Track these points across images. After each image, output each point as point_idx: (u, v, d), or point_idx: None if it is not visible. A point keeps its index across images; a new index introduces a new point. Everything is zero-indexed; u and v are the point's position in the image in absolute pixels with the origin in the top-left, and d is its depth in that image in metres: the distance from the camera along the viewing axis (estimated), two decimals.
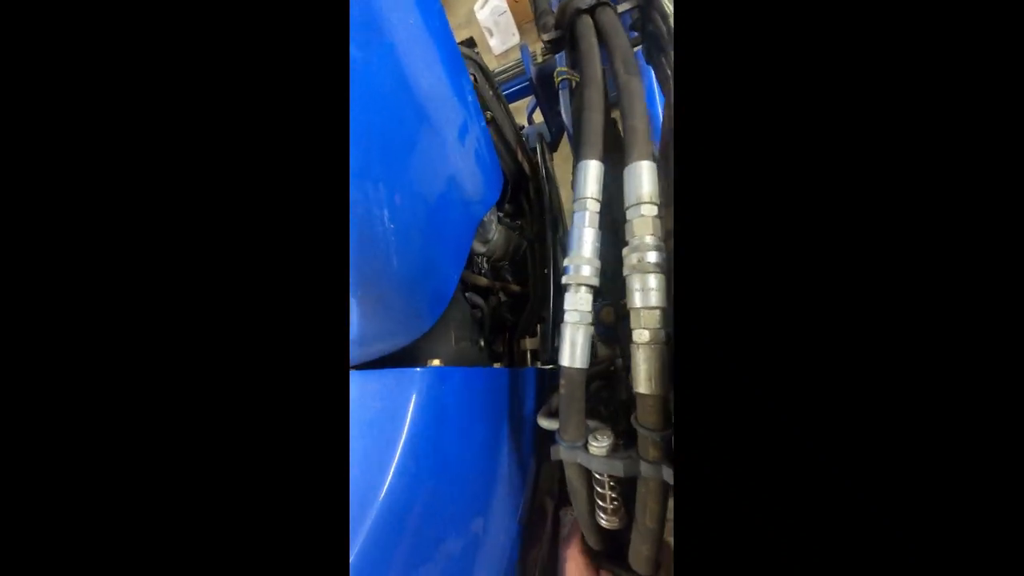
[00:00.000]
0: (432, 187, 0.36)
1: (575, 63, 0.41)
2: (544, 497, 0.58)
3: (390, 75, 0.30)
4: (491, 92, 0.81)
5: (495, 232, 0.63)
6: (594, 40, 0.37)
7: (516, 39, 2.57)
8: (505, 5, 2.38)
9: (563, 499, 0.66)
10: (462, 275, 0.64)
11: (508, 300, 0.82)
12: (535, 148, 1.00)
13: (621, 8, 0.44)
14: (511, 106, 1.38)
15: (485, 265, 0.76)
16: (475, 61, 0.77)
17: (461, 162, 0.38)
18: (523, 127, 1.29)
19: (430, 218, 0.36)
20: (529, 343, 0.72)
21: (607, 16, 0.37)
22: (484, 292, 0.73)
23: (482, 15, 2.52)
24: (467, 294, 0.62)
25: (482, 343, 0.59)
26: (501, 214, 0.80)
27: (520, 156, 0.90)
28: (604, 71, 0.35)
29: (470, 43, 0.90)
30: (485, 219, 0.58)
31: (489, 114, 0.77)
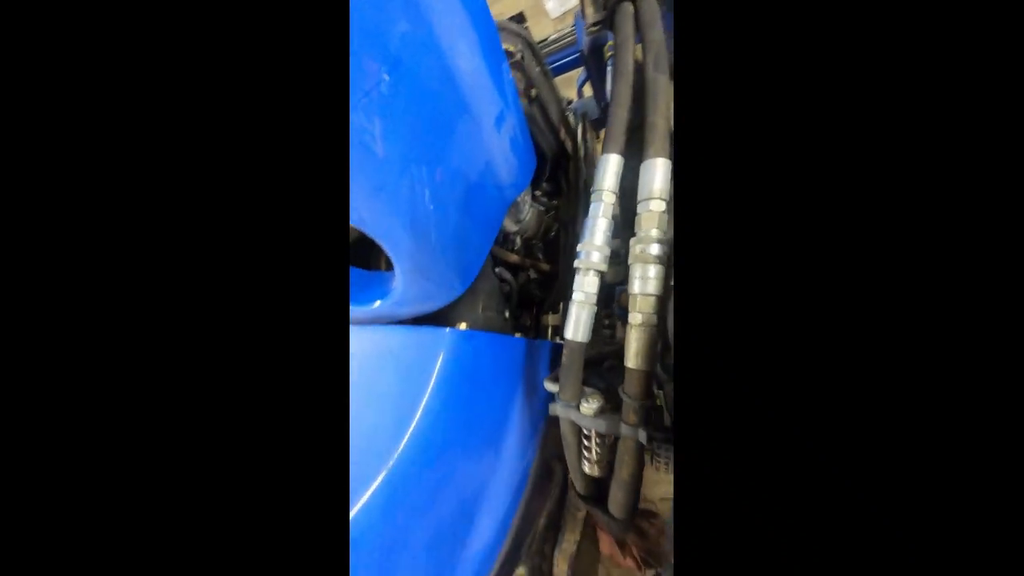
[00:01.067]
0: (469, 171, 0.41)
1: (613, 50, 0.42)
2: (553, 460, 0.65)
3: (435, 66, 0.35)
4: (538, 69, 0.82)
5: (528, 212, 0.67)
6: (631, 31, 0.38)
7: (574, 1, 2.41)
8: None
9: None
10: (494, 251, 0.70)
11: (538, 277, 0.86)
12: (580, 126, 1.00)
13: None
14: (563, 77, 1.34)
15: (518, 242, 0.81)
16: (523, 37, 0.78)
17: (496, 148, 0.43)
18: (571, 101, 1.26)
19: (466, 199, 0.41)
20: (552, 319, 0.77)
21: (648, 5, 0.38)
22: (515, 268, 0.78)
23: None
24: (497, 269, 0.68)
25: (507, 314, 0.65)
26: (538, 192, 0.84)
27: (563, 134, 0.90)
28: (636, 64, 0.37)
29: (519, 19, 0.90)
30: (519, 200, 0.63)
31: (534, 91, 0.78)
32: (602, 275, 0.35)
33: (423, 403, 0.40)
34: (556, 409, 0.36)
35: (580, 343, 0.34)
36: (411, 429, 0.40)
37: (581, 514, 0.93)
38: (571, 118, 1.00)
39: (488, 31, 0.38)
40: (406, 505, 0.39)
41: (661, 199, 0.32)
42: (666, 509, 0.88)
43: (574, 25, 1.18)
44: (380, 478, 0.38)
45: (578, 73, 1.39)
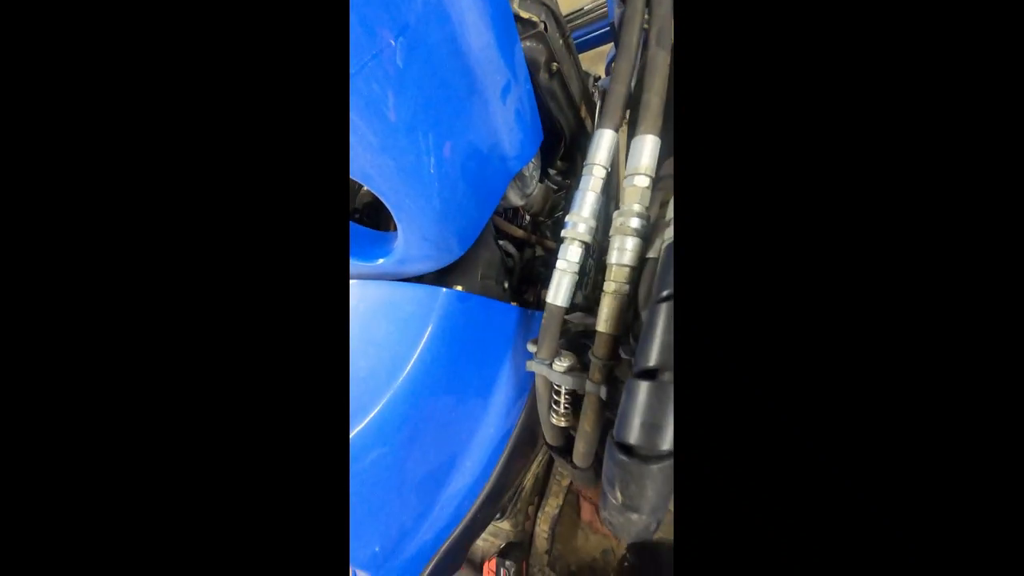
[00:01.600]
0: (473, 140, 0.43)
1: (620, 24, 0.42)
2: (537, 427, 0.70)
3: (446, 37, 0.36)
4: (561, 42, 0.80)
5: (535, 188, 0.69)
6: (641, 5, 0.38)
7: None
8: None
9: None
10: (499, 223, 0.72)
11: (544, 255, 0.88)
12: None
13: None
14: (596, 51, 1.29)
15: (527, 218, 0.83)
16: (547, 6, 0.76)
17: (501, 120, 0.45)
18: (599, 78, 1.22)
19: (468, 166, 0.44)
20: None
21: None
22: (521, 243, 0.81)
23: None
24: (501, 241, 0.71)
25: (506, 285, 0.68)
26: (552, 171, 0.84)
27: (584, 112, 0.90)
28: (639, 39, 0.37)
29: None
30: (526, 174, 0.64)
31: (555, 65, 0.78)
32: (586, 245, 0.37)
33: (417, 353, 0.45)
34: (532, 365, 0.39)
35: (559, 307, 0.37)
36: (403, 375, 0.44)
37: (565, 482, 0.99)
38: (596, 96, 0.98)
39: (501, 5, 0.39)
40: (394, 440, 0.44)
41: (647, 175, 0.33)
42: None
43: None
44: (372, 414, 0.43)
45: (609, 48, 1.34)
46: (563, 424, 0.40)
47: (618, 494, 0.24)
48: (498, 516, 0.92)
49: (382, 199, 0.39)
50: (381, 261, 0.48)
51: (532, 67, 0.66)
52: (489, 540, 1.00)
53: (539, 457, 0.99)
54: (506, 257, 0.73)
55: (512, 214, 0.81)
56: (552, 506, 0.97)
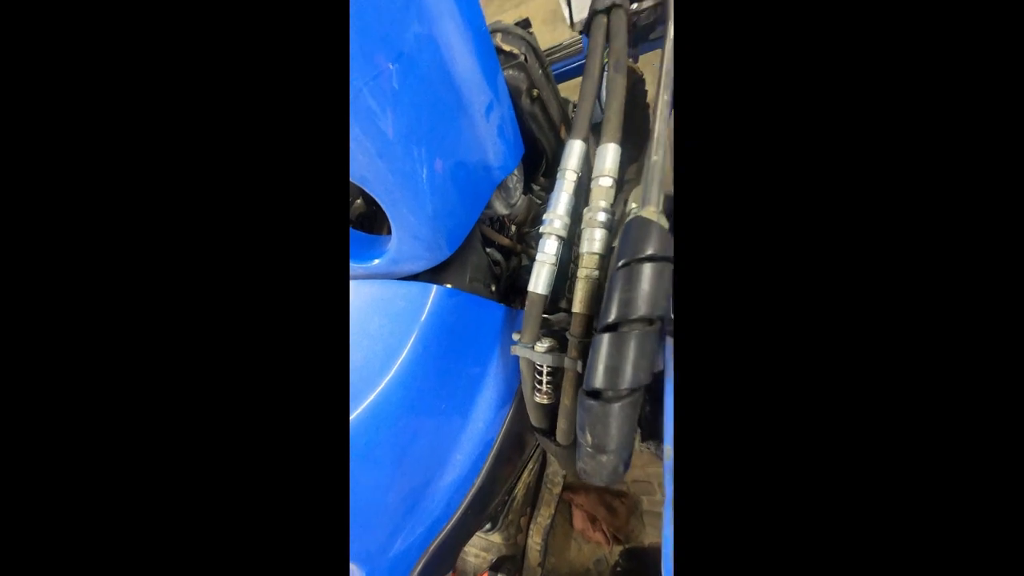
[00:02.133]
0: (461, 151, 0.49)
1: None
2: (525, 433, 0.71)
3: (435, 62, 0.42)
4: (540, 72, 0.90)
5: (519, 199, 0.75)
6: (601, 39, 0.45)
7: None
8: None
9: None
10: (486, 232, 0.77)
11: (529, 264, 0.94)
12: None
13: (644, 5, 0.51)
14: (573, 81, 1.41)
15: (513, 229, 0.88)
16: (526, 41, 0.86)
17: (485, 133, 0.51)
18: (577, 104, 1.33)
19: (456, 174, 0.49)
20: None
21: (616, 18, 0.45)
22: (507, 252, 0.86)
23: None
24: (488, 249, 0.76)
25: (493, 288, 0.72)
26: (536, 186, 0.91)
27: (563, 132, 0.98)
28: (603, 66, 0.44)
29: (525, 24, 0.99)
30: (510, 185, 0.70)
31: (536, 92, 0.86)
32: (561, 239, 0.42)
33: (409, 344, 0.48)
34: (516, 349, 0.43)
35: (540, 295, 0.42)
36: (396, 365, 0.47)
37: (557, 490, 1.00)
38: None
39: (481, 35, 0.46)
40: (386, 429, 0.46)
41: (611, 176, 0.39)
42: (636, 490, 0.93)
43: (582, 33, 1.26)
44: (366, 402, 0.45)
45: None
46: (546, 401, 0.43)
47: (588, 437, 0.28)
48: (488, 528, 0.92)
49: (379, 201, 0.43)
50: (376, 262, 0.52)
51: (514, 93, 0.74)
52: (481, 556, 0.98)
53: (530, 466, 1.00)
54: (494, 264, 0.78)
55: (499, 224, 0.87)
56: (544, 516, 0.97)
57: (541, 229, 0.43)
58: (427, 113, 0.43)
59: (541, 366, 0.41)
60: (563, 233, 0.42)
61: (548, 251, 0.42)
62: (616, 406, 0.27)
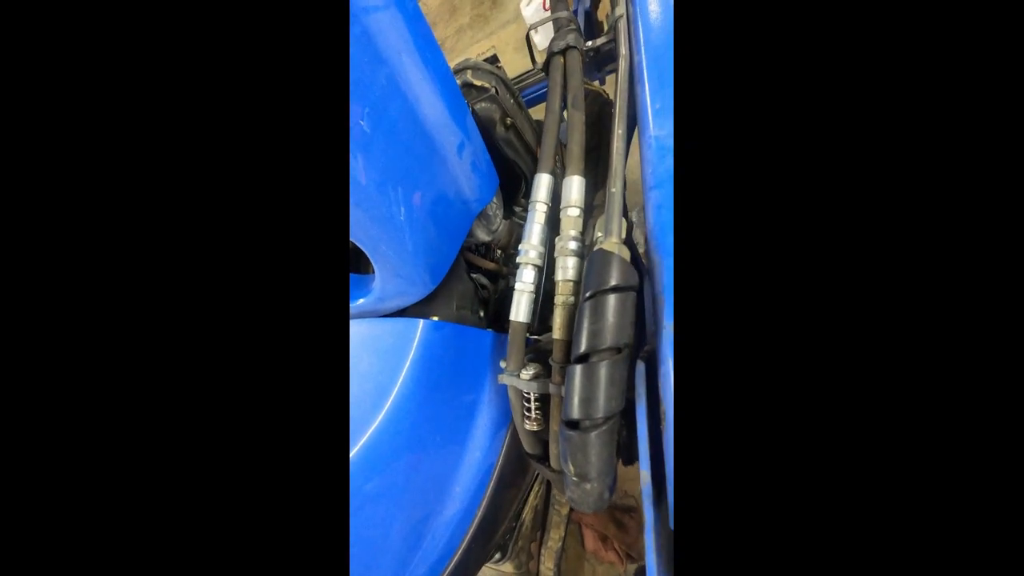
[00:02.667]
0: (436, 189, 0.51)
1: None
2: (527, 455, 0.72)
3: (404, 110, 0.45)
4: (512, 101, 0.94)
5: (499, 224, 0.77)
6: (559, 78, 0.49)
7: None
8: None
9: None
10: (471, 258, 0.79)
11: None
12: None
13: (599, 42, 0.55)
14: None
15: (499, 252, 0.91)
16: (495, 75, 0.91)
17: (459, 170, 0.53)
18: None
19: (434, 211, 0.51)
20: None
21: (571, 58, 0.49)
22: (494, 275, 0.88)
23: (527, 12, 2.62)
24: (474, 275, 0.78)
25: (481, 314, 0.74)
26: (519, 208, 0.94)
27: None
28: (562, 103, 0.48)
29: (493, 59, 1.04)
30: (490, 213, 0.73)
31: (509, 120, 0.90)
32: (539, 268, 0.44)
33: (399, 381, 0.49)
34: (503, 378, 0.44)
35: (522, 323, 0.43)
36: (388, 403, 0.48)
37: (565, 511, 0.99)
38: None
39: (445, 80, 0.49)
40: (382, 468, 0.47)
41: (577, 207, 0.41)
42: None
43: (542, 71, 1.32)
44: (360, 444, 0.46)
45: None
46: (535, 428, 0.44)
47: (570, 467, 0.29)
48: (498, 558, 0.90)
49: (359, 245, 0.45)
50: (361, 301, 0.53)
51: (489, 123, 0.78)
52: None
53: (536, 489, 0.99)
54: (481, 289, 0.79)
55: (486, 249, 0.89)
56: (555, 539, 0.95)
57: (518, 259, 0.45)
58: (400, 157, 0.45)
59: (528, 393, 0.42)
60: (539, 262, 0.44)
61: (526, 280, 0.44)
62: (593, 435, 0.28)
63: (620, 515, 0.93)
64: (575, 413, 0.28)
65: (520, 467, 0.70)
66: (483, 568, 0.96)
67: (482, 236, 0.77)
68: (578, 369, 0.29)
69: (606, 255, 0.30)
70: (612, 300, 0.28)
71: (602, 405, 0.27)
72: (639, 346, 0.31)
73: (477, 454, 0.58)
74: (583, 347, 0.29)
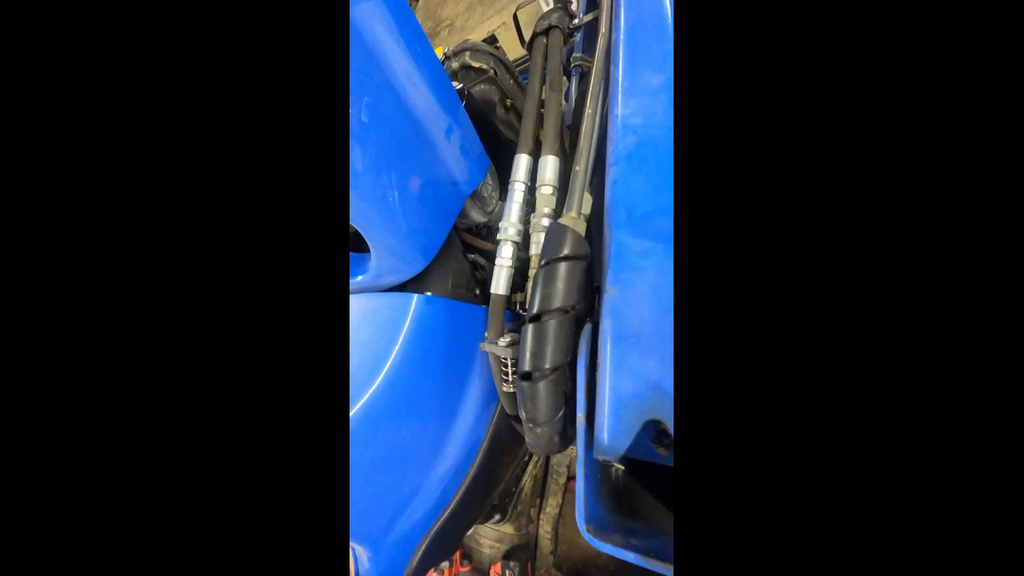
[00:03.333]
0: (427, 173, 0.55)
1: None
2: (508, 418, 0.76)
3: (394, 101, 0.49)
4: (512, 81, 0.95)
5: (495, 205, 0.80)
6: (540, 60, 0.51)
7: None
8: None
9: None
10: (468, 240, 0.83)
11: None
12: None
13: (587, 19, 0.56)
14: None
15: (496, 235, 0.94)
16: (494, 56, 0.92)
17: (448, 154, 0.57)
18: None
19: (425, 193, 0.55)
20: (519, 297, 0.90)
21: (552, 39, 0.50)
22: (491, 255, 0.92)
23: None
24: (471, 255, 0.82)
25: (477, 292, 0.78)
26: None
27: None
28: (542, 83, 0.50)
29: (491, 40, 1.05)
30: (485, 195, 0.76)
31: (509, 101, 0.92)
32: (516, 244, 0.48)
33: (395, 349, 0.54)
34: (483, 346, 0.49)
35: (501, 295, 0.47)
36: (384, 370, 0.54)
37: (563, 480, 1.05)
38: None
39: (434, 69, 0.52)
40: (380, 426, 0.53)
41: (551, 185, 0.44)
42: None
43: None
44: (358, 406, 0.52)
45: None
46: (511, 390, 0.49)
47: (523, 414, 0.33)
48: (498, 519, 0.97)
49: (356, 226, 0.50)
50: (360, 278, 0.59)
51: (488, 105, 0.80)
52: (495, 547, 1.04)
53: (536, 459, 1.05)
54: (478, 268, 0.84)
55: (487, 231, 0.93)
56: (552, 505, 1.02)
57: (498, 236, 0.48)
58: (392, 144, 0.49)
59: (505, 359, 0.47)
60: (517, 238, 0.47)
61: (505, 255, 0.47)
62: (541, 384, 0.32)
63: None
64: (527, 365, 0.32)
65: (513, 436, 0.76)
66: (486, 528, 1.04)
67: (477, 217, 0.80)
68: (530, 328, 0.33)
69: (561, 228, 0.33)
70: (563, 268, 0.31)
71: (549, 358, 0.31)
72: (589, 310, 0.34)
73: (469, 419, 0.64)
74: (536, 308, 0.33)
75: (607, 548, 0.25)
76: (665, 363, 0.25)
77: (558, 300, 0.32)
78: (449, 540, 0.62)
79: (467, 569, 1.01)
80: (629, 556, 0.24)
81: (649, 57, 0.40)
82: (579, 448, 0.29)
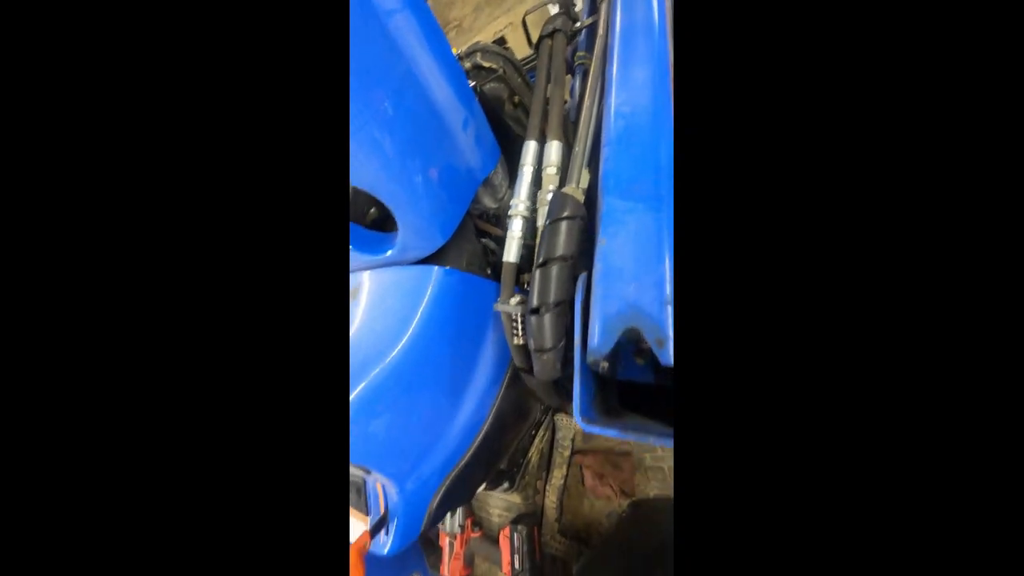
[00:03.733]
0: (445, 158, 0.63)
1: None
2: (525, 393, 0.84)
3: (418, 93, 0.57)
4: (519, 79, 1.04)
5: (505, 193, 0.88)
6: (546, 59, 0.59)
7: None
8: None
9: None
10: (481, 225, 0.92)
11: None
12: None
13: (588, 22, 0.64)
14: None
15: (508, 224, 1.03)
16: (503, 56, 1.00)
17: (464, 143, 0.65)
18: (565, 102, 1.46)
19: (444, 179, 0.64)
20: (527, 277, 0.98)
21: (556, 41, 0.58)
22: (501, 240, 1.00)
23: None
24: (483, 239, 0.90)
25: (489, 272, 0.86)
26: None
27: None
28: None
29: (500, 41, 1.13)
30: (496, 183, 0.84)
31: (517, 98, 1.00)
32: (525, 218, 0.56)
33: (418, 314, 0.63)
34: (497, 306, 0.57)
35: (512, 263, 0.55)
36: (409, 332, 0.62)
37: (567, 453, 1.12)
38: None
39: (451, 66, 0.60)
40: (406, 380, 0.61)
41: (555, 166, 0.52)
42: (639, 449, 1.04)
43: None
44: (385, 362, 0.60)
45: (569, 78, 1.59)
46: (520, 342, 0.57)
47: (531, 342, 0.41)
48: (507, 487, 1.05)
49: (386, 204, 0.59)
50: (389, 252, 0.67)
51: (497, 103, 0.88)
52: (504, 515, 1.12)
53: (542, 433, 1.12)
54: (490, 253, 0.92)
55: (496, 220, 1.01)
56: (557, 477, 1.09)
57: (509, 212, 0.56)
58: (416, 133, 0.58)
59: (515, 316, 0.55)
60: (526, 213, 0.55)
61: (515, 229, 0.55)
62: (547, 316, 0.40)
63: (616, 458, 1.05)
64: (535, 302, 0.40)
65: (518, 409, 0.83)
66: (496, 499, 1.11)
67: (489, 204, 0.89)
68: (538, 272, 0.41)
69: (563, 196, 0.41)
70: (564, 225, 0.39)
71: (553, 294, 0.39)
72: (587, 263, 0.41)
73: (482, 381, 0.72)
74: (542, 257, 0.41)
75: (599, 430, 0.32)
76: (641, 288, 0.32)
77: (560, 250, 0.40)
78: (464, 488, 0.70)
79: (478, 535, 1.08)
80: (621, 435, 0.31)
81: (638, 56, 0.47)
82: (575, 359, 0.37)
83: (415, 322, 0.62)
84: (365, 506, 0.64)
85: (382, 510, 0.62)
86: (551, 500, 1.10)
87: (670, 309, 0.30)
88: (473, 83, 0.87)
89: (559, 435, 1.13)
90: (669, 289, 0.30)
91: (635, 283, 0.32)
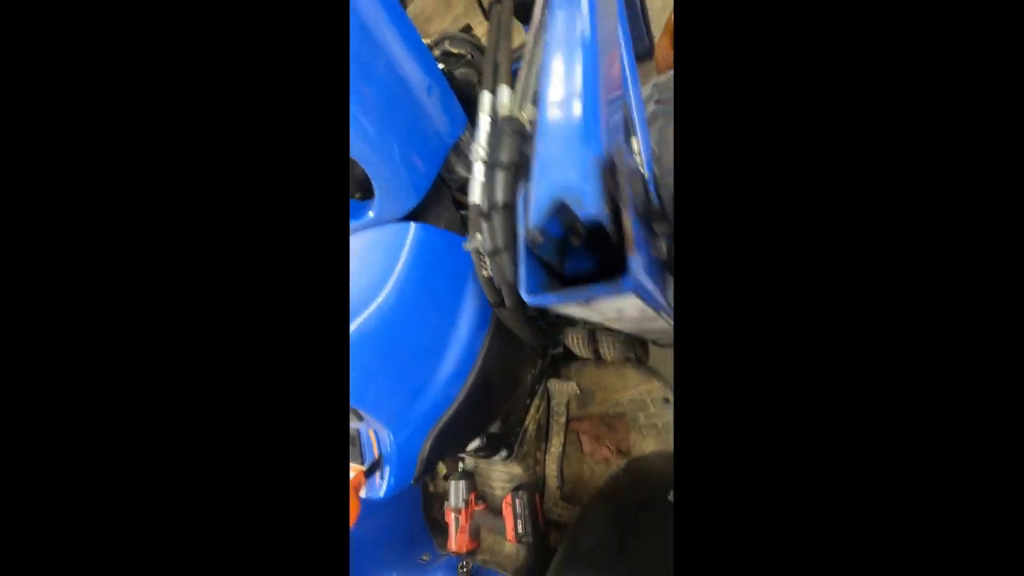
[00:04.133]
0: (415, 125, 0.69)
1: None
2: (508, 345, 0.87)
3: (387, 67, 0.64)
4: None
5: None
6: (495, 21, 0.65)
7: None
8: None
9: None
10: (458, 196, 0.97)
11: None
12: None
13: None
14: None
15: None
16: (471, 42, 1.08)
17: (431, 108, 0.71)
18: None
19: (414, 141, 0.70)
20: None
21: (504, 4, 0.65)
22: None
23: None
24: (462, 212, 0.96)
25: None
26: None
27: None
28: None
29: (467, 29, 1.22)
30: (467, 151, 0.90)
31: None
32: (485, 162, 0.61)
33: (399, 265, 0.68)
34: (466, 246, 0.61)
35: (476, 203, 0.60)
36: (390, 282, 0.67)
37: (562, 420, 1.14)
38: None
39: (411, 36, 0.67)
40: (389, 329, 0.65)
41: (506, 107, 0.58)
42: (632, 408, 1.05)
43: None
44: (369, 311, 0.65)
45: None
46: (487, 275, 0.61)
47: (488, 244, 0.45)
48: (505, 455, 1.07)
49: (363, 166, 0.65)
50: (371, 214, 0.73)
51: (467, 86, 0.95)
52: (506, 487, 1.13)
53: (537, 403, 1.15)
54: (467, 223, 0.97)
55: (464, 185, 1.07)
56: (556, 445, 1.11)
57: (470, 157, 0.61)
58: (389, 106, 0.64)
59: (483, 251, 0.59)
60: (485, 157, 0.61)
61: (477, 172, 0.60)
62: (496, 217, 0.44)
63: (610, 419, 1.07)
64: (485, 207, 0.45)
65: (504, 366, 0.86)
66: (497, 471, 1.13)
67: (463, 172, 0.95)
68: (485, 178, 0.45)
69: (508, 117, 0.46)
70: (506, 138, 0.44)
71: (500, 196, 0.44)
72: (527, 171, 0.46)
73: (465, 331, 0.75)
74: (489, 166, 0.46)
75: (543, 300, 0.36)
76: (565, 171, 0.37)
77: (503, 158, 0.45)
78: (456, 435, 0.73)
79: (483, 508, 1.10)
80: (563, 299, 0.35)
81: (573, 4, 0.53)
82: (520, 244, 0.41)
83: (396, 271, 0.67)
84: (360, 456, 0.67)
85: (376, 457, 0.65)
86: (551, 468, 1.11)
87: (592, 181, 0.34)
88: (445, 67, 0.94)
89: (553, 402, 1.15)
90: (590, 168, 0.35)
91: (560, 168, 0.37)
